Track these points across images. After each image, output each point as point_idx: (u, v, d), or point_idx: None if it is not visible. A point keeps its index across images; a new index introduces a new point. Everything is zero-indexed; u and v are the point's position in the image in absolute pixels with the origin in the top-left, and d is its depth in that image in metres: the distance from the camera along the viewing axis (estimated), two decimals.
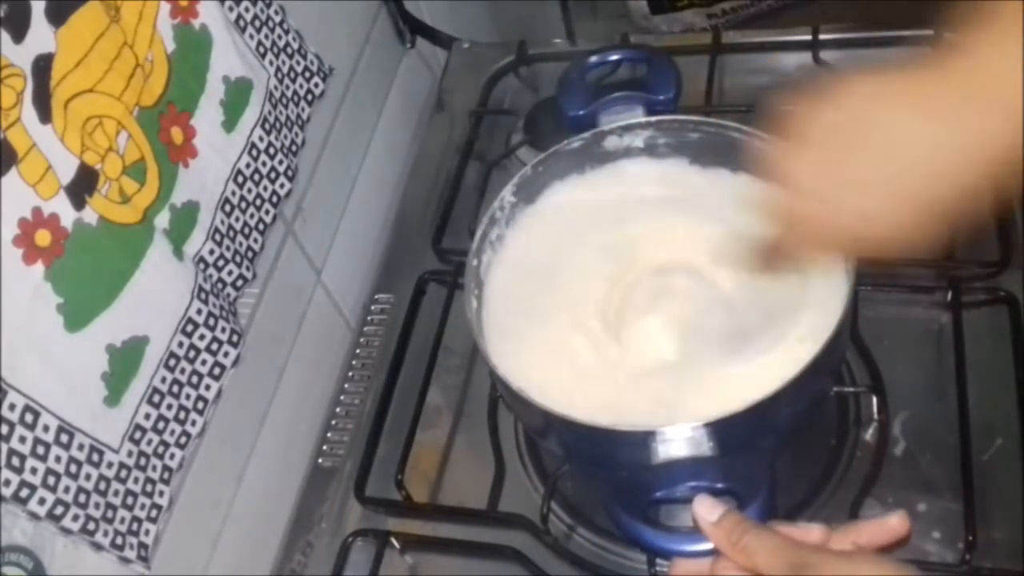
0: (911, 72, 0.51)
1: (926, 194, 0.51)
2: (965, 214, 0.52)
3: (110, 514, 0.61)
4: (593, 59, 0.81)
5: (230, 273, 0.74)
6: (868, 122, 0.52)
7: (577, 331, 0.70)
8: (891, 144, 0.51)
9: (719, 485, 0.57)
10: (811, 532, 0.53)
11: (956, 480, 0.69)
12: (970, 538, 0.66)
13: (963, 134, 0.49)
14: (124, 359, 0.62)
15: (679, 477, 0.58)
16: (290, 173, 0.81)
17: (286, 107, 0.81)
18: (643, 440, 0.59)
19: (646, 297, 0.70)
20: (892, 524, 0.53)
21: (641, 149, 0.77)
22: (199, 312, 0.68)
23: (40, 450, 0.56)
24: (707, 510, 0.54)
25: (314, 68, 0.85)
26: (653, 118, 0.75)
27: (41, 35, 0.56)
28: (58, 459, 0.57)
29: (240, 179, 0.75)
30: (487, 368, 0.69)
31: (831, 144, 0.53)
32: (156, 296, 0.64)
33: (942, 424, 0.72)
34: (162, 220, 0.66)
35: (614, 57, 0.82)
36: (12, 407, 0.54)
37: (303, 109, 0.84)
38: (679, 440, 0.59)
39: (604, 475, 0.63)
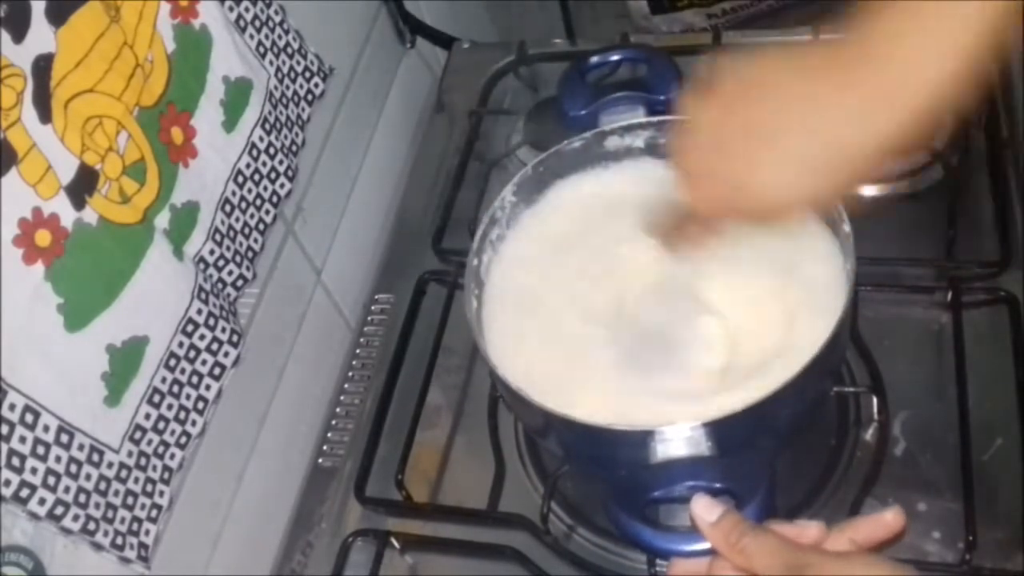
0: (805, 48, 0.54)
1: (814, 163, 0.53)
2: (858, 179, 0.55)
3: (110, 514, 0.61)
4: (594, 59, 0.81)
5: (230, 273, 0.74)
6: (760, 91, 0.54)
7: (577, 331, 0.70)
8: (779, 112, 0.53)
9: (717, 485, 0.57)
10: (808, 530, 0.53)
11: (956, 480, 0.69)
12: (970, 538, 0.66)
13: (853, 106, 0.51)
14: (124, 359, 0.62)
15: (678, 477, 0.58)
16: (290, 173, 0.81)
17: (286, 107, 0.81)
18: (642, 440, 0.59)
19: (646, 297, 0.70)
20: (887, 520, 0.53)
21: (642, 149, 0.77)
22: (199, 312, 0.68)
23: (40, 450, 0.56)
24: (705, 510, 0.54)
25: (314, 68, 0.85)
26: (654, 118, 0.75)
27: (41, 35, 0.56)
28: (58, 459, 0.57)
29: (240, 179, 0.75)
30: (487, 368, 0.69)
31: (725, 116, 0.56)
32: (156, 296, 0.64)
33: (942, 424, 0.72)
34: (162, 220, 0.66)
35: (615, 57, 0.82)
36: (12, 407, 0.54)
37: (303, 109, 0.84)
38: (678, 440, 0.59)
39: (603, 475, 0.63)
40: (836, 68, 0.51)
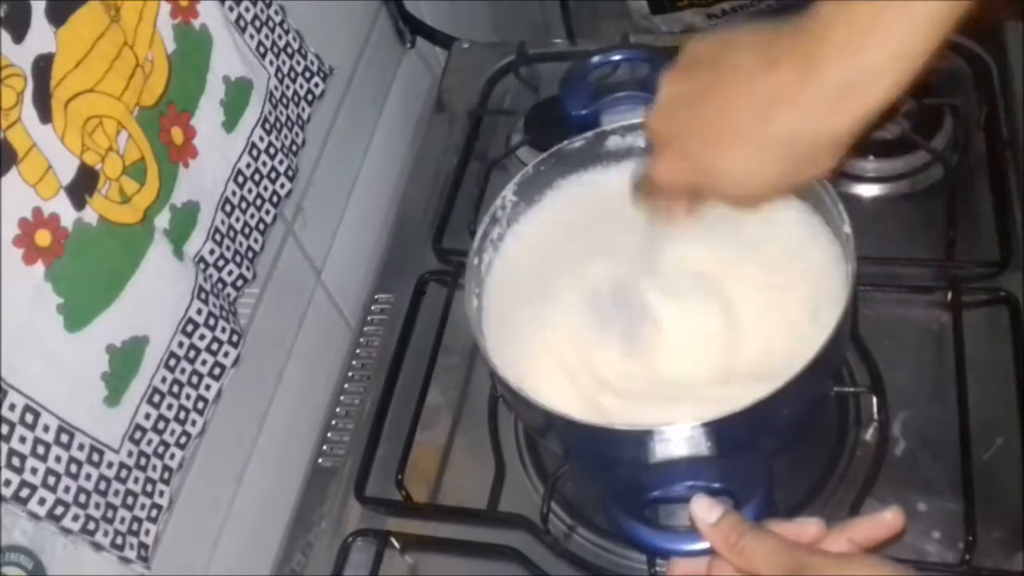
0: (772, 31, 0.54)
1: (774, 152, 0.54)
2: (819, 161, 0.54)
3: (110, 514, 0.61)
4: (596, 59, 0.81)
5: (230, 273, 0.74)
6: (726, 73, 0.56)
7: (578, 330, 0.70)
8: (743, 98, 0.54)
9: (716, 485, 0.57)
10: (808, 527, 0.53)
11: (956, 480, 0.69)
12: (970, 538, 0.66)
13: (814, 102, 0.52)
14: (124, 359, 0.62)
15: (677, 477, 0.58)
16: (290, 173, 0.81)
17: (286, 107, 0.81)
18: (642, 439, 0.59)
19: (647, 296, 0.70)
20: (887, 519, 0.53)
21: (643, 149, 0.76)
22: (199, 312, 0.68)
23: (40, 450, 0.56)
24: (705, 511, 0.54)
25: (314, 68, 0.85)
26: None
27: (41, 35, 0.56)
28: (58, 459, 0.57)
29: (240, 179, 0.75)
30: (487, 368, 0.69)
31: (692, 69, 0.58)
32: (156, 296, 0.64)
33: (942, 424, 0.72)
34: (162, 220, 0.66)
35: (616, 57, 0.82)
36: (12, 407, 0.54)
37: (303, 109, 0.84)
38: (678, 440, 0.59)
39: (603, 474, 0.63)
40: (799, 57, 0.52)
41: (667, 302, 0.69)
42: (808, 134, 0.53)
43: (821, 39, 0.51)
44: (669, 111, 0.60)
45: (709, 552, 0.54)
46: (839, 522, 0.54)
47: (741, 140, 0.55)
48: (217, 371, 0.71)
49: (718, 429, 0.58)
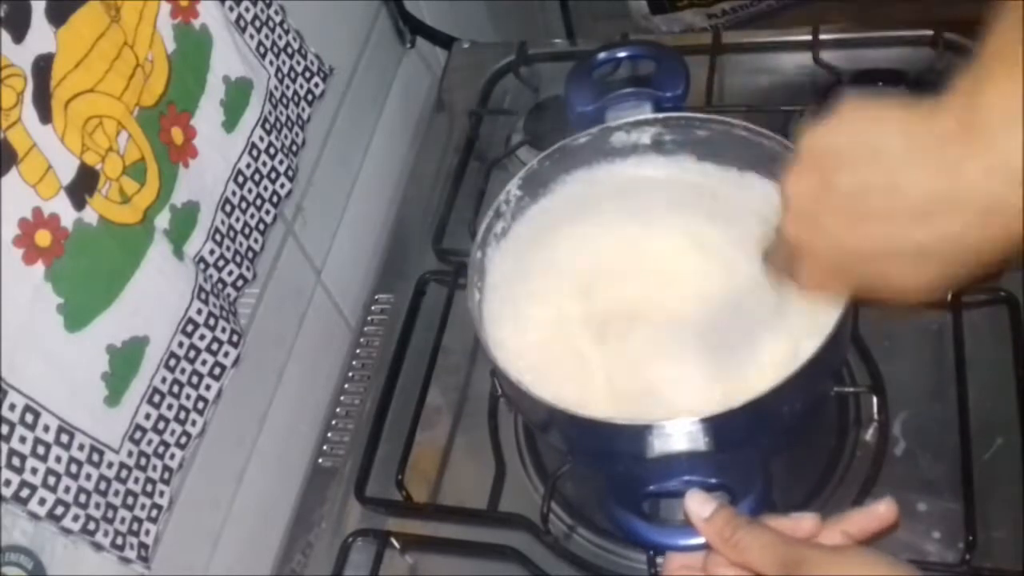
0: (921, 108, 0.45)
1: (929, 245, 0.45)
2: (974, 270, 0.46)
3: (110, 514, 0.61)
4: (602, 55, 0.81)
5: (230, 273, 0.74)
6: (867, 150, 0.47)
7: (579, 325, 0.70)
8: (897, 193, 0.46)
9: (713, 480, 0.57)
10: (803, 522, 0.53)
11: (956, 480, 0.69)
12: (970, 538, 0.66)
13: (961, 186, 0.43)
14: (124, 359, 0.62)
15: (675, 471, 0.58)
16: (290, 173, 0.81)
17: (286, 107, 0.81)
18: (641, 434, 0.59)
19: (648, 293, 0.70)
20: (880, 511, 0.53)
21: (648, 146, 0.77)
22: (199, 312, 0.68)
23: (40, 450, 0.56)
24: (700, 505, 0.54)
25: (314, 68, 0.85)
26: (660, 115, 0.75)
27: (41, 35, 0.56)
28: (58, 459, 0.57)
29: (240, 179, 0.75)
30: (487, 368, 0.69)
31: (829, 167, 0.48)
32: (156, 296, 0.64)
33: (942, 424, 0.72)
34: (162, 220, 0.66)
35: (622, 54, 0.82)
36: (12, 407, 0.54)
37: (303, 109, 0.84)
38: (677, 435, 0.59)
39: (604, 468, 0.63)
40: (953, 146, 0.43)
41: (668, 294, 0.69)
42: (965, 243, 0.44)
43: (973, 125, 0.42)
44: (807, 218, 0.50)
45: (705, 547, 0.54)
46: (833, 516, 0.54)
47: (900, 253, 0.47)
48: (217, 371, 0.71)
49: (717, 425, 0.58)
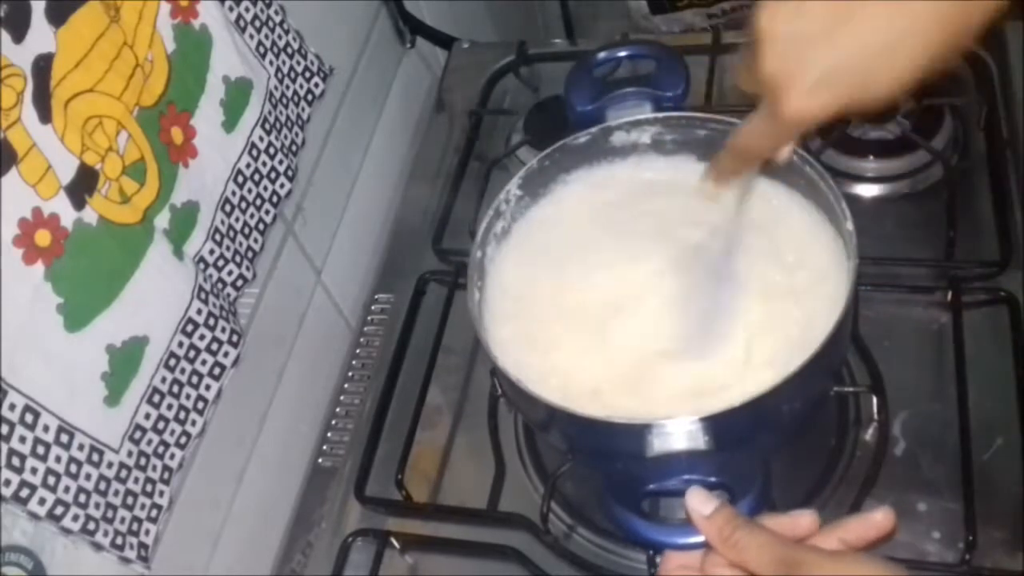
0: None
1: (908, 27, 0.50)
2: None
3: (110, 514, 0.61)
4: (602, 55, 0.81)
5: (230, 273, 0.74)
6: None
7: (579, 324, 0.70)
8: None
9: (713, 479, 0.57)
10: (801, 519, 0.53)
11: (956, 480, 0.69)
12: (970, 538, 0.66)
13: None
14: (124, 359, 0.62)
15: (674, 470, 0.58)
16: (290, 173, 0.81)
17: (286, 107, 0.81)
18: (641, 433, 0.59)
19: (649, 289, 0.70)
20: (877, 519, 0.53)
21: (648, 145, 0.77)
22: (199, 312, 0.68)
23: (40, 450, 0.56)
24: (700, 503, 0.54)
25: (314, 68, 0.85)
26: (661, 114, 0.75)
27: (41, 35, 0.56)
28: (58, 459, 0.57)
29: (240, 179, 0.75)
30: (487, 368, 0.69)
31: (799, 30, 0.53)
32: (156, 296, 0.64)
33: (942, 424, 0.72)
34: (162, 220, 0.66)
35: (623, 54, 0.82)
36: (12, 407, 0.54)
37: (303, 109, 0.84)
38: (677, 434, 0.59)
39: (604, 467, 0.63)
40: None
41: (668, 291, 0.69)
42: (929, 35, 0.50)
43: None
44: (787, 43, 0.54)
45: (703, 546, 0.54)
46: (829, 523, 0.54)
47: (863, 29, 0.51)
48: (217, 371, 0.71)
49: (716, 424, 0.58)
